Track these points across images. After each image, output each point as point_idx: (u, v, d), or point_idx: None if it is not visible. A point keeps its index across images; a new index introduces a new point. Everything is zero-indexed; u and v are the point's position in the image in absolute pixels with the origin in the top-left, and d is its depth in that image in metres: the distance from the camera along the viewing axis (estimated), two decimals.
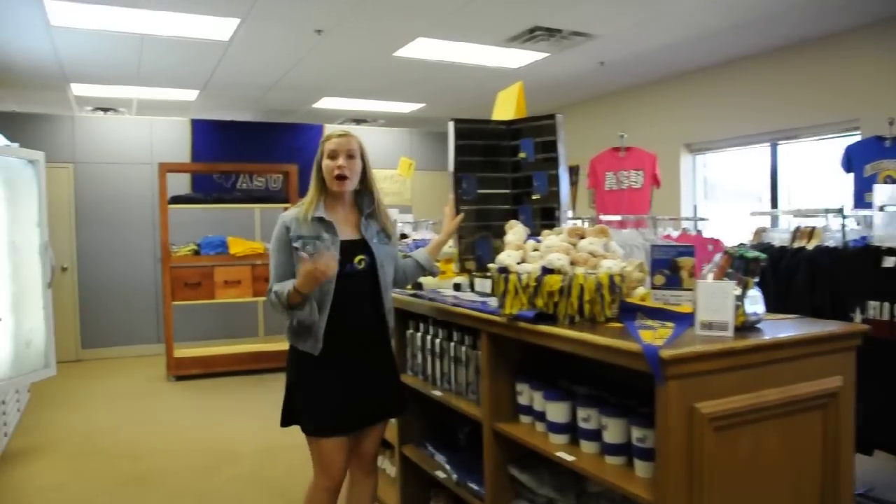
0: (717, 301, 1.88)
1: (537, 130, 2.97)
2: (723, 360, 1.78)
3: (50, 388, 6.01)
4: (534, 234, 2.63)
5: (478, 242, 3.10)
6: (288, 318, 2.58)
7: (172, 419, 5.43)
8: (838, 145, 5.51)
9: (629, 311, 2.13)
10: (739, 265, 1.96)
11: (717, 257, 2.02)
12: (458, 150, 3.01)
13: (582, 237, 2.28)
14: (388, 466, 3.74)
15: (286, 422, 2.71)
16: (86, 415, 5.57)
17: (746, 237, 4.36)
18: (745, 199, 6.67)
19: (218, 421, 5.37)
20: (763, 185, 6.26)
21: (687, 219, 4.77)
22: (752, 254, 1.95)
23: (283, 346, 7.97)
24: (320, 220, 2.53)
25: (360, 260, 2.58)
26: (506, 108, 3.07)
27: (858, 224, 3.46)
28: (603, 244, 2.24)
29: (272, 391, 6.28)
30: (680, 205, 6.82)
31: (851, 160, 4.67)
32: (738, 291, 1.93)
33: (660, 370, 1.68)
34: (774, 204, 6.11)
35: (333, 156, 2.53)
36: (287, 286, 2.43)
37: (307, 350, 2.54)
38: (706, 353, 1.75)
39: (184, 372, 6.78)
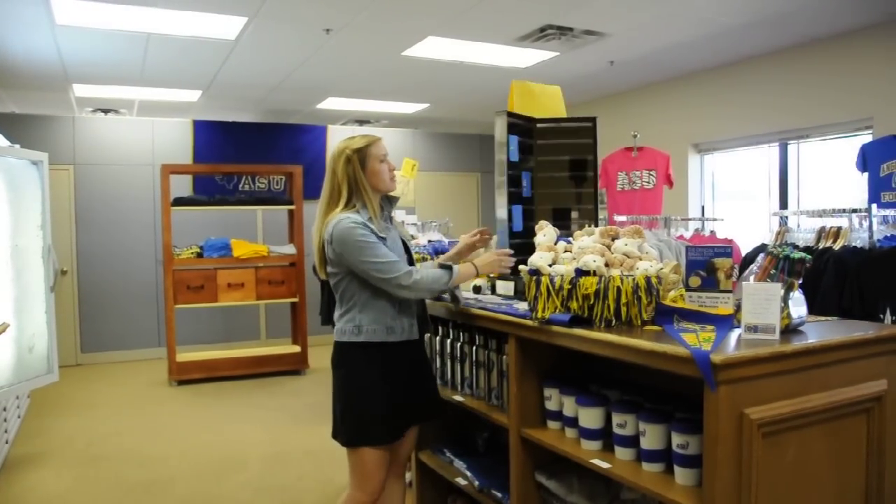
0: (762, 304, 1.82)
1: (522, 130, 2.95)
2: (772, 365, 1.73)
3: (50, 393, 5.91)
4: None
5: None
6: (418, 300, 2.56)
7: (176, 424, 5.35)
8: (850, 145, 5.47)
9: (666, 314, 2.08)
10: (784, 266, 1.90)
11: (760, 258, 1.96)
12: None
13: (615, 238, 2.22)
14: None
15: (359, 440, 2.48)
16: (87, 421, 5.48)
17: (762, 237, 4.31)
18: (750, 199, 6.61)
19: (223, 426, 5.28)
20: (772, 185, 6.21)
21: (701, 219, 4.71)
22: (798, 254, 1.89)
23: (286, 349, 7.80)
24: (385, 215, 2.58)
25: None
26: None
27: (881, 224, 3.40)
28: (637, 245, 2.17)
29: (275, 395, 6.21)
30: (687, 205, 6.77)
31: (867, 159, 4.62)
32: (782, 293, 1.87)
33: (712, 375, 1.62)
34: (784, 204, 6.06)
35: (384, 159, 2.54)
36: (456, 270, 2.49)
37: (401, 339, 2.49)
38: (757, 358, 1.69)
39: (186, 376, 6.69)
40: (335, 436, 2.55)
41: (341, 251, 2.38)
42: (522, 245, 2.89)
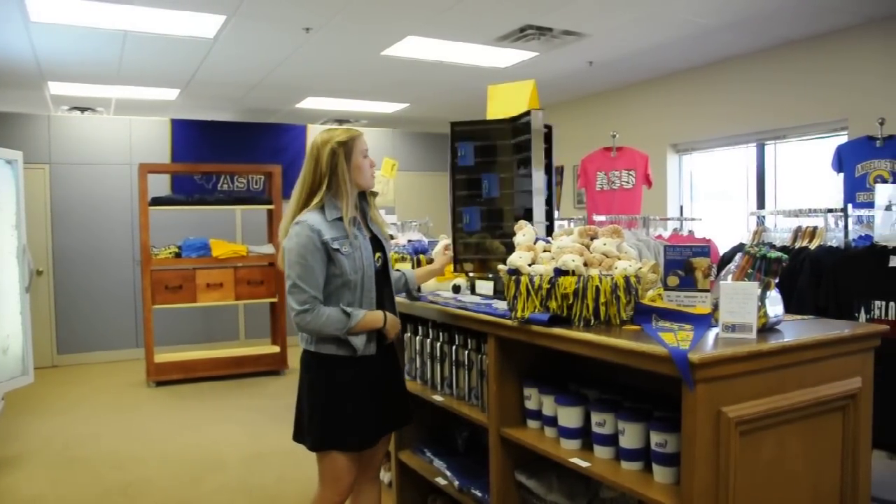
0: (739, 303, 1.83)
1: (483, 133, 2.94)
2: (749, 363, 1.75)
3: (26, 395, 5.83)
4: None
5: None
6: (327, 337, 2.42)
7: (154, 426, 5.29)
8: (826, 145, 5.53)
9: (644, 313, 2.09)
10: (761, 265, 1.91)
11: (738, 257, 1.97)
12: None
13: (594, 237, 2.23)
14: (382, 473, 3.65)
15: (326, 444, 2.45)
16: (64, 423, 5.41)
17: (740, 237, 4.35)
18: (728, 199, 6.67)
19: (201, 427, 5.24)
20: (749, 185, 6.27)
21: (680, 219, 4.75)
22: (775, 254, 1.91)
23: (265, 349, 7.74)
24: (352, 218, 2.45)
25: (378, 258, 2.52)
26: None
27: (856, 224, 3.44)
28: (616, 245, 2.18)
29: (254, 396, 6.17)
30: (666, 205, 6.82)
31: (842, 160, 4.68)
32: (759, 292, 1.89)
33: (689, 374, 1.63)
34: (761, 204, 6.12)
35: (366, 154, 2.49)
36: (360, 315, 2.36)
37: (355, 354, 2.41)
38: (734, 357, 1.71)
39: (164, 377, 6.63)
40: (298, 438, 2.51)
41: (286, 252, 2.36)
42: (471, 244, 2.96)
